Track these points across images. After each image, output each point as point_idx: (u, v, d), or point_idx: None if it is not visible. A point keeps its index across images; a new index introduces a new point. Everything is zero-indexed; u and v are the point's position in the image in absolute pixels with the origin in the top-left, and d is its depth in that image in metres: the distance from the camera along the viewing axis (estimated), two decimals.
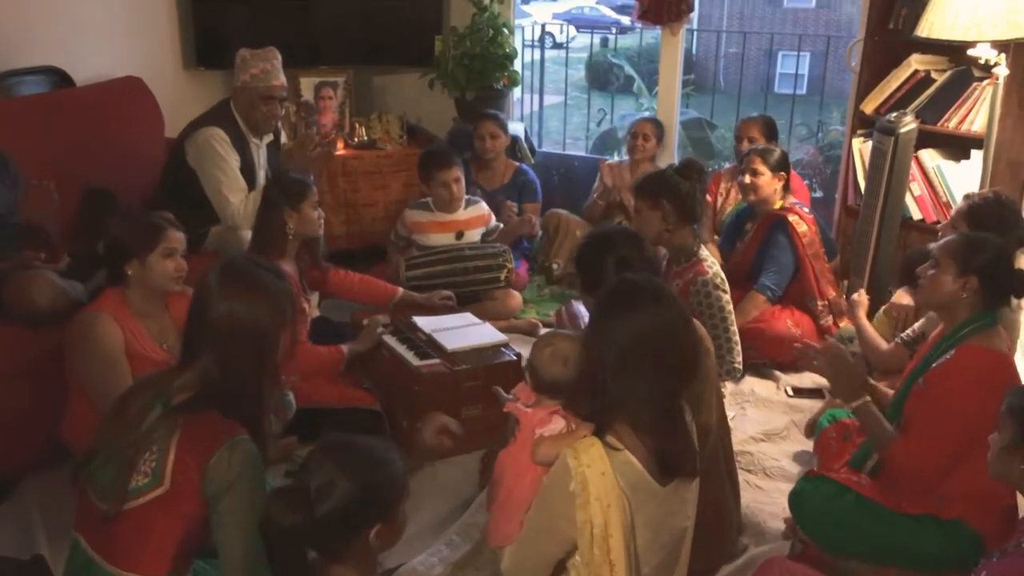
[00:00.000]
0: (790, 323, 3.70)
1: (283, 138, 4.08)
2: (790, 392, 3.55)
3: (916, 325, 3.03)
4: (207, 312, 1.91)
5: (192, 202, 3.59)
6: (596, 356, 1.83)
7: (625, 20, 14.92)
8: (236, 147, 3.66)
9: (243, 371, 1.90)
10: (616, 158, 5.13)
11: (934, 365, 2.26)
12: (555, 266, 4.53)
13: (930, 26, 3.22)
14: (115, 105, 3.91)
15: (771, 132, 4.33)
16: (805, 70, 12.04)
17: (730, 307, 3.06)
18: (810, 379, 3.63)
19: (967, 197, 3.05)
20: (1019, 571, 1.66)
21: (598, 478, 1.75)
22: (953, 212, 3.08)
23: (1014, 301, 2.42)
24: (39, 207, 3.02)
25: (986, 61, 3.31)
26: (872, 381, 2.62)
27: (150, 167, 3.87)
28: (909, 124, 3.54)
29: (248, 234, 3.40)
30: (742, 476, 2.97)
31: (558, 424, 2.11)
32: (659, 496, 1.80)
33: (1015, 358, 2.35)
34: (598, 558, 1.75)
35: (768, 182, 3.72)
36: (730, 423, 3.24)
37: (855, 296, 3.31)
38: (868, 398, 2.33)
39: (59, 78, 3.85)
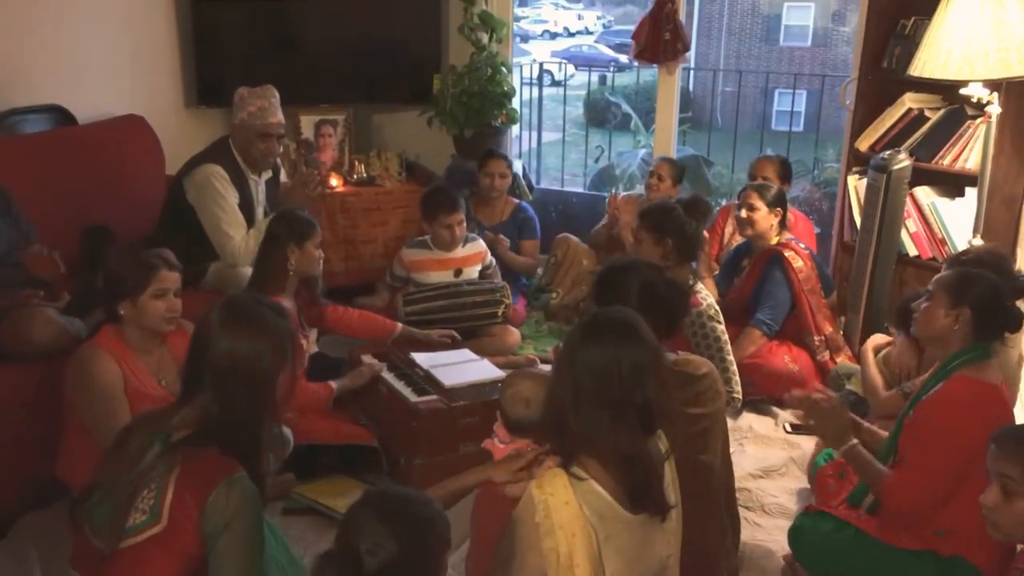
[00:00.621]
0: (787, 359, 3.70)
1: (282, 175, 4.11)
2: (788, 428, 3.54)
3: (919, 379, 3.02)
4: (208, 349, 1.92)
5: (191, 239, 3.61)
6: (559, 389, 1.81)
7: (623, 58, 15.07)
8: (235, 184, 3.69)
9: (243, 409, 1.91)
10: (623, 191, 5.14)
11: (924, 397, 2.26)
12: (554, 295, 4.53)
13: (923, 65, 3.26)
14: (117, 143, 3.94)
15: (786, 173, 4.34)
16: (802, 108, 12.15)
17: (726, 337, 3.07)
18: None
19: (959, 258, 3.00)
20: None
21: (561, 507, 1.74)
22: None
23: (1007, 335, 2.42)
24: (43, 273, 3.03)
25: (979, 100, 3.35)
26: (866, 423, 2.63)
27: (151, 204, 3.90)
28: (903, 162, 3.58)
29: (248, 271, 3.42)
30: (741, 513, 2.96)
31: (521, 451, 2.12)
32: (632, 525, 1.79)
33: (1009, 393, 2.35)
34: None
35: (764, 217, 3.75)
36: None
37: (867, 344, 3.30)
38: (855, 441, 2.34)
39: (61, 116, 3.89)
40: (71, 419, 2.63)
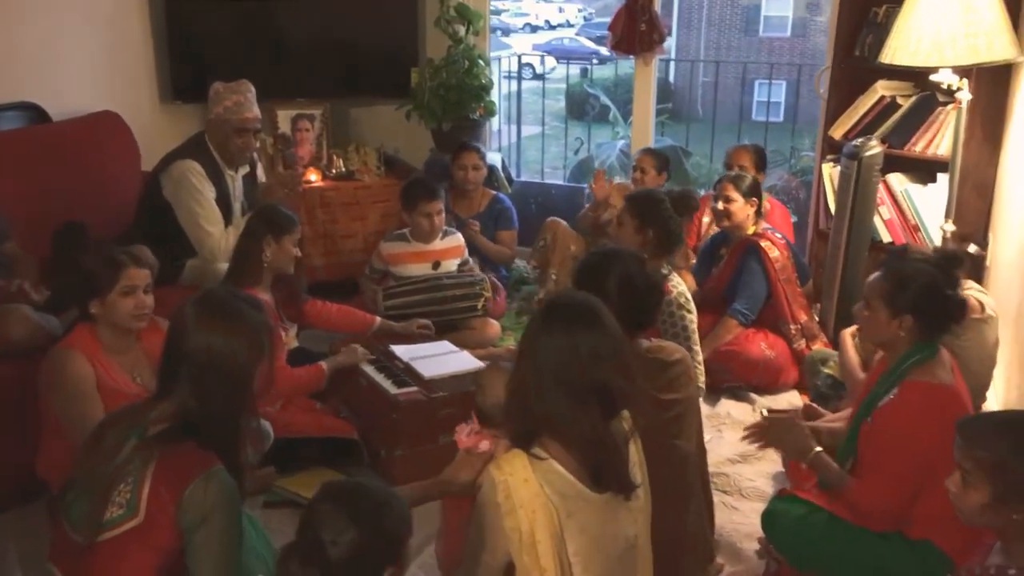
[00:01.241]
0: (764, 346, 3.74)
1: (259, 170, 4.10)
2: (765, 414, 3.56)
3: (876, 360, 3.05)
4: (184, 344, 1.92)
5: (168, 235, 3.61)
6: (521, 372, 1.83)
7: (604, 51, 15.08)
8: (212, 179, 3.68)
9: (220, 403, 1.91)
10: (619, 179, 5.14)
11: (880, 404, 2.26)
12: (554, 276, 4.54)
13: (893, 52, 3.29)
14: (92, 140, 3.93)
15: (761, 161, 4.38)
16: (781, 98, 12.21)
17: (694, 326, 3.09)
18: (786, 401, 3.68)
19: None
20: None
21: (521, 485, 1.77)
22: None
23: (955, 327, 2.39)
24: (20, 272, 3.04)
25: (949, 86, 3.38)
26: (818, 424, 2.66)
27: (126, 201, 3.88)
28: (873, 148, 3.61)
29: (225, 267, 3.42)
30: (718, 497, 3.00)
31: (483, 444, 2.15)
32: (595, 503, 1.81)
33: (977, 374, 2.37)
34: (528, 564, 1.77)
35: (740, 208, 3.78)
36: (707, 445, 3.28)
37: (844, 331, 3.33)
38: (819, 450, 2.35)
39: (35, 114, 3.88)
40: (48, 418, 2.62)
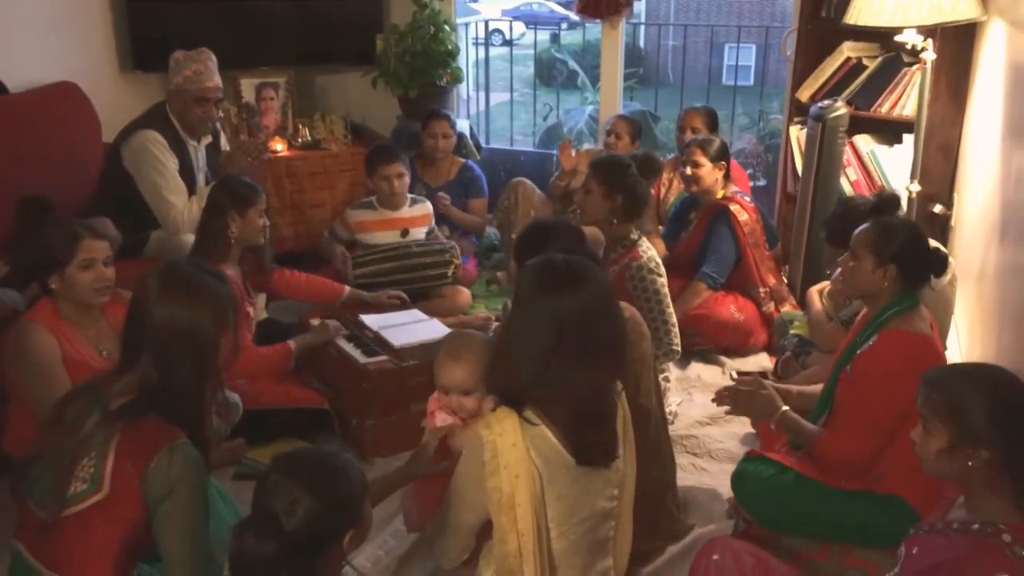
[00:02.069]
0: (733, 308, 3.76)
1: (223, 140, 4.04)
2: (735, 376, 3.59)
3: (854, 304, 3.09)
4: (146, 316, 1.90)
5: (130, 207, 3.56)
6: (520, 339, 1.82)
7: (573, 15, 14.98)
8: (174, 149, 3.63)
9: (183, 375, 1.90)
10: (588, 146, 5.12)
11: (859, 352, 2.30)
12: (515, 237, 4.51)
13: (858, 13, 3.29)
14: (50, 111, 3.85)
15: (713, 122, 4.40)
16: (751, 61, 12.19)
17: (665, 290, 3.10)
18: (755, 363, 3.71)
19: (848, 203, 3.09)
20: (949, 548, 1.70)
21: (509, 448, 1.78)
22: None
23: (933, 280, 2.46)
24: None
25: (913, 47, 3.39)
26: (788, 386, 2.71)
27: (87, 173, 3.82)
28: (839, 110, 3.62)
29: (190, 238, 3.38)
30: (688, 459, 3.04)
31: (444, 420, 2.16)
32: (575, 472, 1.83)
33: (940, 334, 2.40)
34: (506, 525, 1.79)
35: (709, 172, 3.78)
36: (676, 408, 3.32)
37: (810, 288, 3.36)
38: (785, 408, 2.40)
39: None
40: (13, 392, 2.59)
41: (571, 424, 1.82)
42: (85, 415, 1.87)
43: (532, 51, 10.71)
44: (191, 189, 3.67)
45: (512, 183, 4.58)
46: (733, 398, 2.50)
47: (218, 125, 3.95)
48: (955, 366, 1.88)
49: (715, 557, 1.98)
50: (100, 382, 1.95)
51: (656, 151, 7.16)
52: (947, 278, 3.02)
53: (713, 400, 2.59)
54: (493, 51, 7.24)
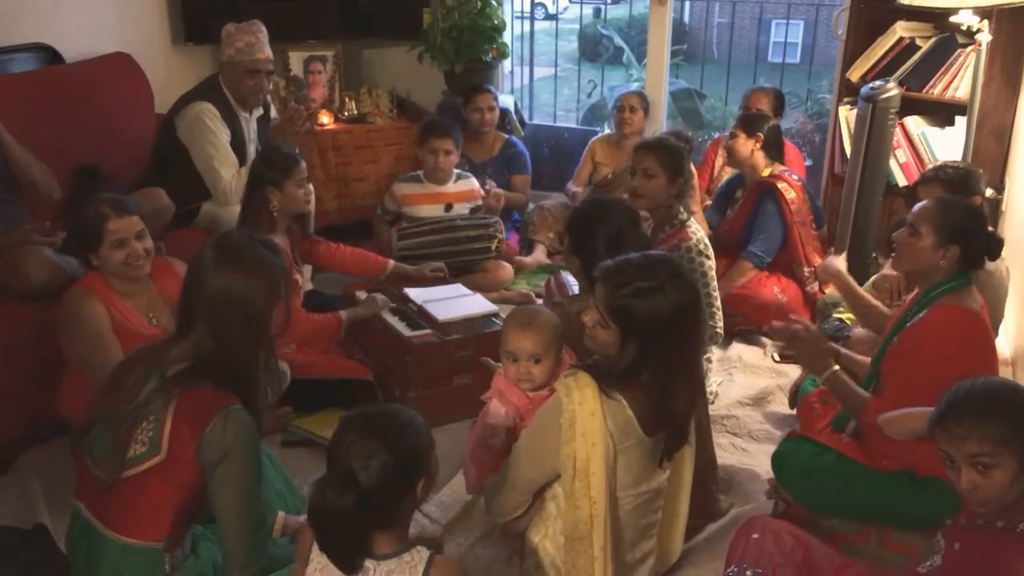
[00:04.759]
0: (776, 290, 3.75)
1: (273, 112, 4.09)
2: (776, 358, 3.61)
3: (909, 296, 3.06)
4: (202, 286, 1.95)
5: (183, 177, 3.63)
6: (635, 326, 1.90)
7: None
8: (226, 121, 3.69)
9: (237, 344, 1.95)
10: (606, 130, 5.13)
11: (908, 325, 2.30)
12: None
13: None
14: (105, 82, 3.92)
15: (779, 104, 4.37)
16: (798, 39, 11.98)
17: (713, 273, 3.09)
18: None
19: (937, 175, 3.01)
20: (993, 547, 1.69)
21: (587, 417, 1.83)
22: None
23: (991, 264, 2.44)
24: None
25: (969, 27, 3.34)
26: (845, 350, 2.68)
27: (141, 143, 3.89)
28: (890, 91, 3.57)
29: (239, 209, 3.43)
30: (728, 439, 3.05)
31: (498, 410, 2.20)
32: (644, 444, 1.88)
33: (990, 317, 2.39)
34: (579, 491, 1.84)
35: (743, 144, 3.77)
36: (718, 388, 3.32)
37: (830, 259, 3.31)
38: (836, 368, 2.39)
39: (48, 55, 3.86)
40: (68, 357, 2.67)
41: (658, 408, 1.90)
42: (143, 380, 1.93)
43: (577, 26, 10.64)
44: (242, 161, 3.73)
45: (531, 210, 4.64)
46: (793, 340, 2.48)
47: (269, 97, 3.99)
48: (970, 395, 1.75)
49: (755, 536, 2.00)
50: (157, 349, 2.00)
51: (701, 129, 7.11)
52: (1004, 267, 2.98)
53: (765, 332, 2.58)
54: (537, 25, 7.19)
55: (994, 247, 2.33)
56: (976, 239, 2.29)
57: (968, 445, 1.67)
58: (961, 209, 2.32)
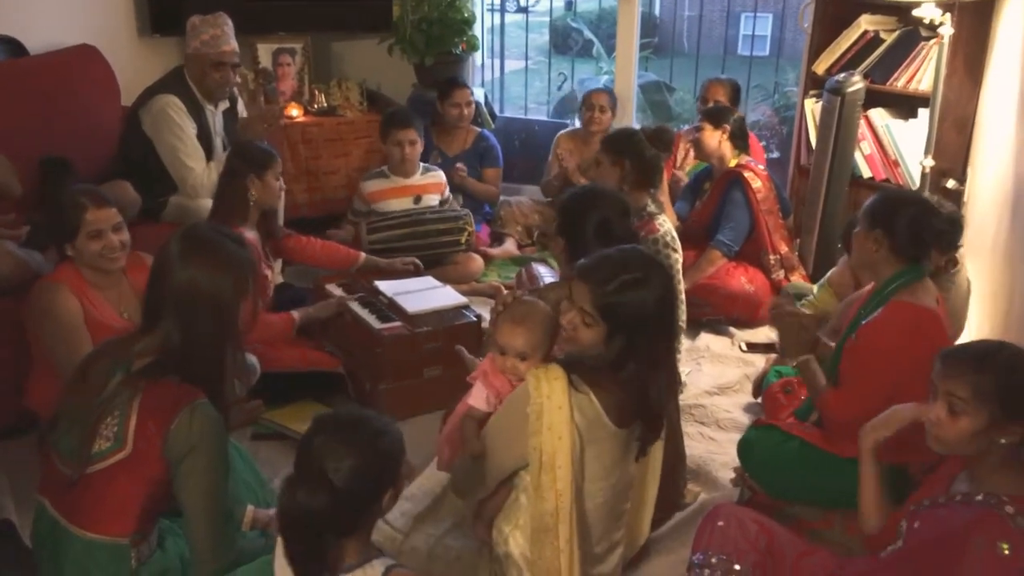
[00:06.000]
0: (744, 280, 3.79)
1: (240, 105, 4.07)
2: (743, 348, 3.65)
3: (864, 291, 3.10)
4: (168, 279, 1.94)
5: (149, 171, 3.60)
6: (624, 320, 1.91)
7: None
8: (192, 114, 3.66)
9: (204, 337, 1.94)
10: (575, 123, 5.13)
11: (863, 322, 2.32)
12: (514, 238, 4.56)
13: None
14: (70, 74, 3.87)
15: (735, 95, 4.41)
16: (767, 31, 12.07)
17: (679, 266, 3.13)
18: (763, 335, 3.74)
19: None
20: (951, 519, 1.73)
21: (555, 411, 1.85)
22: None
23: (955, 275, 2.45)
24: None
25: (931, 21, 3.38)
26: (824, 338, 2.71)
27: (107, 136, 3.85)
28: (856, 84, 3.62)
29: (208, 203, 3.41)
30: (696, 428, 3.09)
31: (479, 392, 2.19)
32: (615, 436, 1.90)
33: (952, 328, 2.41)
34: (545, 484, 1.86)
35: (710, 135, 3.82)
36: (686, 378, 3.35)
37: (781, 299, 3.31)
38: (811, 356, 2.42)
39: (13, 47, 3.81)
40: (37, 351, 2.64)
41: (635, 400, 1.92)
42: (109, 375, 1.92)
43: (547, 18, 10.64)
44: (208, 154, 3.70)
45: (499, 205, 4.66)
46: (780, 316, 2.52)
47: (235, 90, 3.96)
48: (973, 344, 1.84)
49: (720, 523, 2.02)
50: (123, 342, 1.99)
51: (670, 121, 7.13)
52: (966, 277, 3.02)
53: (733, 321, 2.56)
54: (507, 18, 7.17)
55: (943, 238, 2.33)
56: (902, 225, 2.27)
57: (950, 383, 1.73)
58: (898, 198, 2.35)
